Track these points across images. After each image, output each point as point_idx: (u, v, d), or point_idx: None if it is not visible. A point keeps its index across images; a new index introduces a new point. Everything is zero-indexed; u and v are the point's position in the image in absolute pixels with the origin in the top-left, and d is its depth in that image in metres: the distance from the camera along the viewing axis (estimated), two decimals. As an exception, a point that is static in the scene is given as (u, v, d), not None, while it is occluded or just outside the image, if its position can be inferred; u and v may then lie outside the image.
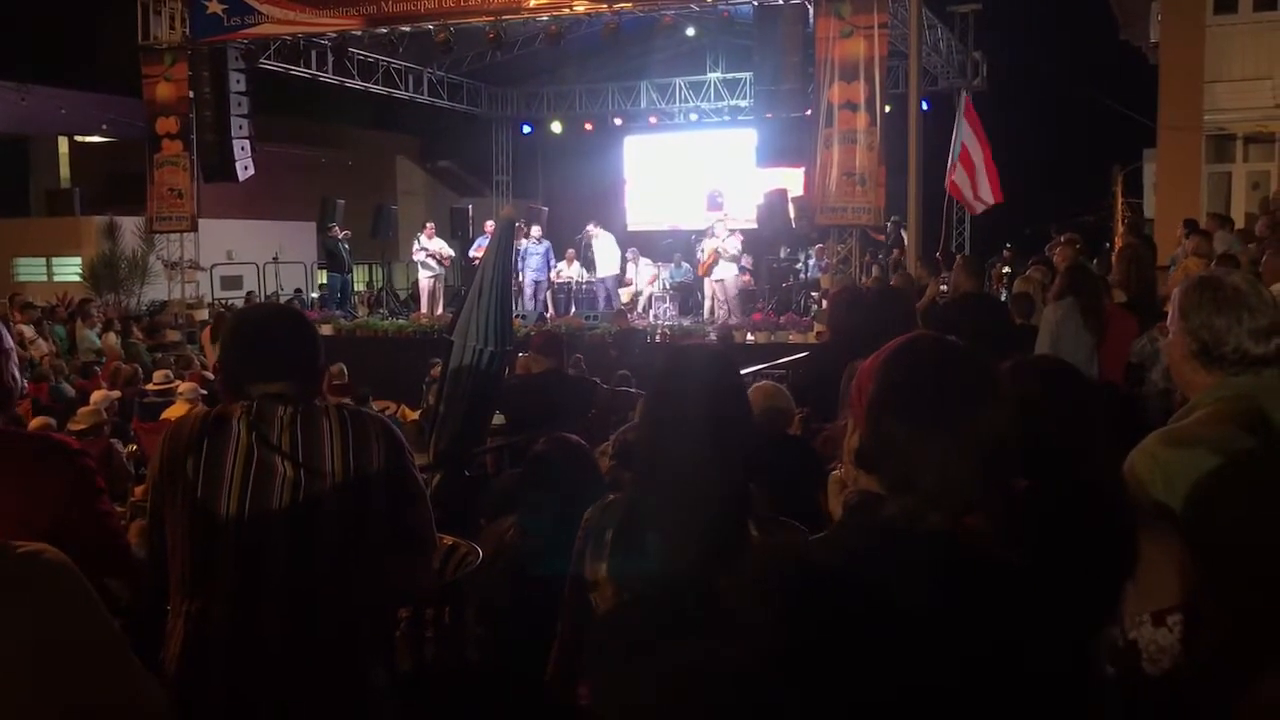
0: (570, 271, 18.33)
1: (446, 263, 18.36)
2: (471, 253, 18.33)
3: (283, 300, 20.10)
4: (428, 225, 18.62)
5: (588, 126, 24.77)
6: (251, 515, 2.29)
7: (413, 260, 19.06)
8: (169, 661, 2.32)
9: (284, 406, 2.36)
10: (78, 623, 1.50)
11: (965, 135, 13.91)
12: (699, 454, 1.98)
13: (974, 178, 14.24)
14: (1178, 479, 2.06)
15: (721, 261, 16.28)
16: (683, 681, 1.47)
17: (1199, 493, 2.03)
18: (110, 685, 1.51)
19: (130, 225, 22.00)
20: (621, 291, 18.56)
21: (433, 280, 18.16)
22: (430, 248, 18.03)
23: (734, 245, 16.39)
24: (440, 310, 17.76)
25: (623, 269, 18.73)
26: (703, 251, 17.00)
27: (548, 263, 17.95)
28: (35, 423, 8.54)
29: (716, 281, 16.49)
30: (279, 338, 2.46)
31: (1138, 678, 1.72)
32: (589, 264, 18.73)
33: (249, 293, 21.56)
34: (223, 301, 19.68)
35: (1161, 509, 2.01)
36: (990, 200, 14.67)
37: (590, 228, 18.55)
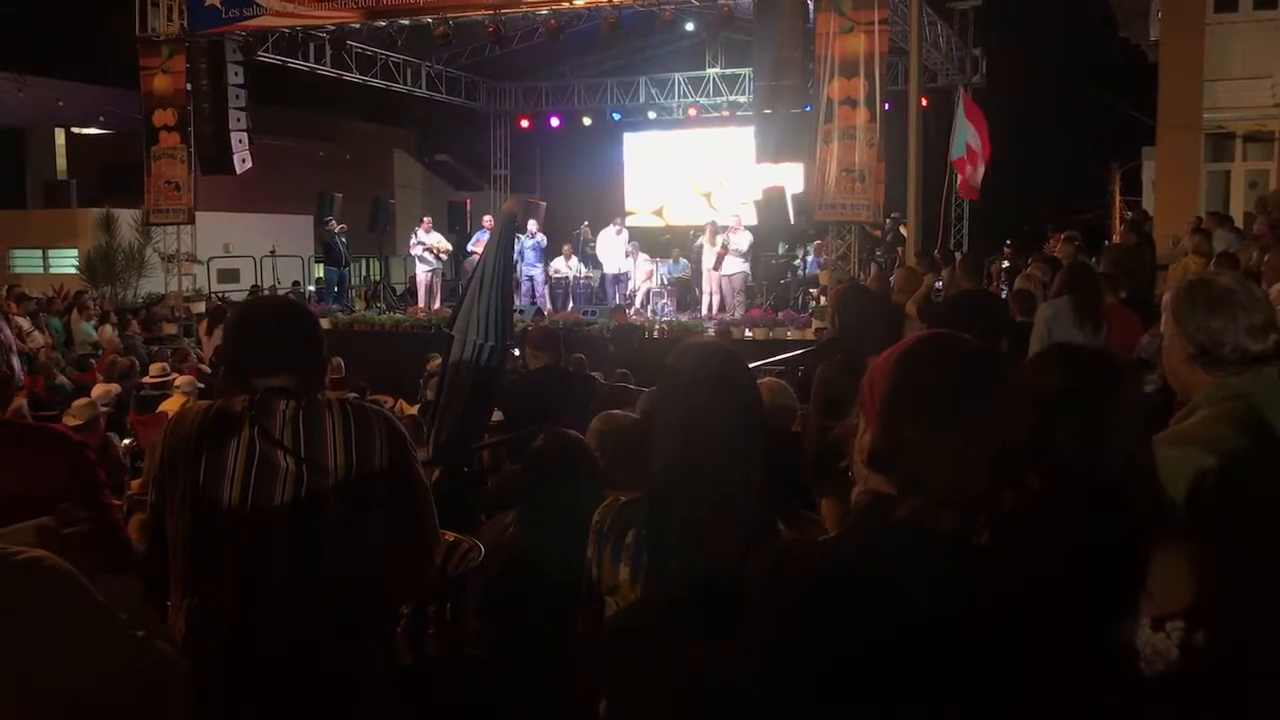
0: (568, 267, 18.29)
1: (444, 256, 18.32)
2: (470, 247, 18.28)
3: (281, 293, 20.07)
4: (425, 219, 18.58)
5: (586, 121, 24.76)
6: (253, 510, 2.28)
7: (410, 255, 19.03)
8: (169, 657, 2.31)
9: (287, 400, 2.35)
10: (76, 626, 1.52)
11: (969, 132, 13.86)
12: (728, 451, 1.95)
13: (975, 168, 14.21)
14: (1180, 479, 2.05)
15: (729, 256, 16.26)
16: (697, 680, 1.46)
17: (1200, 493, 2.03)
18: (107, 666, 1.55)
19: (127, 217, 21.96)
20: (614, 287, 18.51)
21: (430, 274, 18.13)
22: (427, 242, 17.99)
23: (743, 240, 16.37)
24: (438, 304, 17.73)
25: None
26: (702, 246, 16.98)
27: (540, 258, 17.92)
28: (13, 407, 8.44)
29: (725, 276, 16.46)
30: (283, 331, 2.45)
31: (1135, 678, 1.72)
32: (588, 259, 18.70)
33: (252, 286, 21.53)
34: (220, 295, 19.64)
35: (1173, 512, 2.00)
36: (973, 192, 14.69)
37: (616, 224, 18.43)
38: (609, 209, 21.19)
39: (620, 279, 17.98)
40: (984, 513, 1.48)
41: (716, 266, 16.47)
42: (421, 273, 18.23)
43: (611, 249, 17.98)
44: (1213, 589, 1.75)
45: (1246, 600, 1.83)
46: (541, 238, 17.92)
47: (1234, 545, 1.93)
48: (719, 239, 16.41)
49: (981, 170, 14.19)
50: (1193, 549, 1.80)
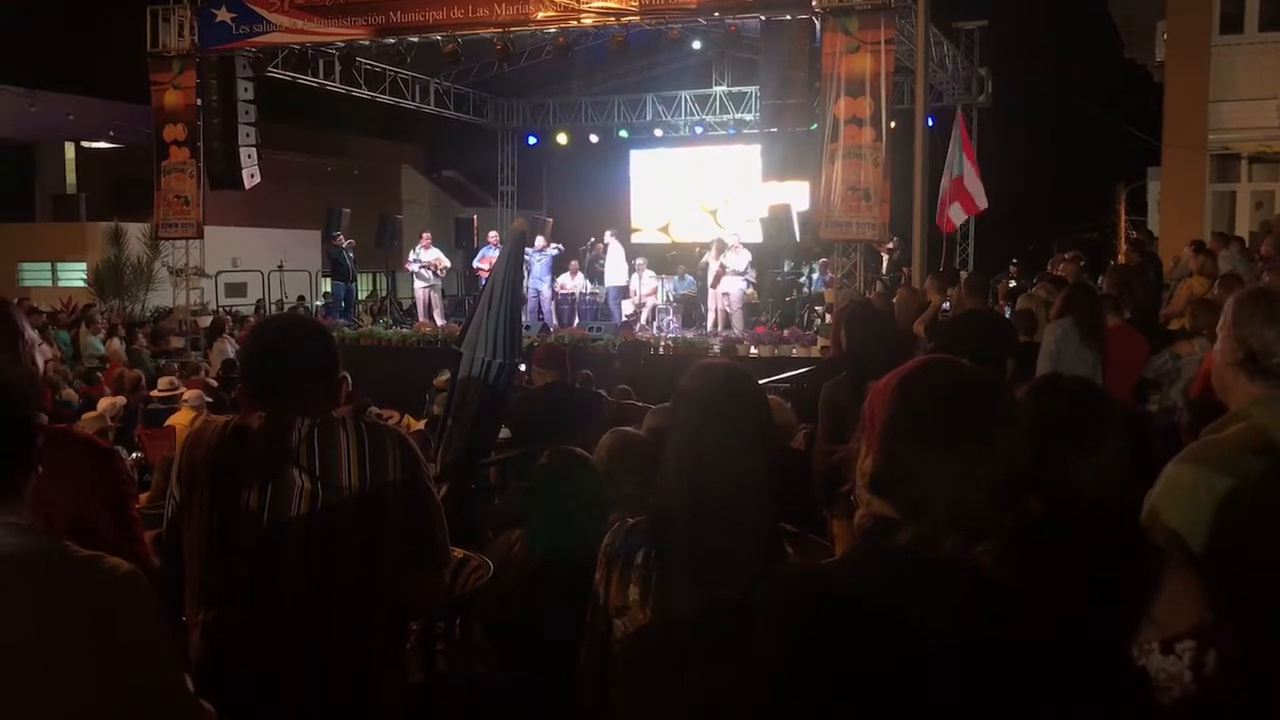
0: (574, 283, 18.31)
1: (442, 273, 18.29)
2: (476, 263, 18.30)
3: (287, 308, 20.13)
4: (424, 235, 18.53)
5: (593, 138, 24.84)
6: (269, 527, 2.31)
7: (409, 270, 19.07)
8: (184, 671, 2.34)
9: (302, 419, 2.38)
10: (143, 625, 1.62)
11: (957, 156, 13.94)
12: (739, 473, 1.97)
13: (954, 197, 14.30)
14: (1204, 497, 2.06)
15: (727, 275, 16.33)
16: (706, 702, 1.48)
17: (1223, 511, 2.03)
18: (164, 675, 1.66)
19: (136, 231, 22.07)
20: (625, 303, 18.48)
21: (428, 290, 18.11)
22: (425, 259, 17.95)
23: (739, 259, 16.42)
24: (438, 319, 17.76)
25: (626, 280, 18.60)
26: (708, 264, 17.03)
27: (549, 271, 17.91)
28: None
29: (723, 294, 16.53)
30: (299, 349, 2.48)
31: (1150, 706, 1.72)
32: (595, 275, 18.70)
33: (258, 301, 21.60)
34: (226, 308, 19.71)
35: (1176, 534, 2.01)
36: (963, 215, 14.75)
37: (607, 236, 18.45)
38: (615, 226, 21.24)
39: (615, 293, 17.95)
40: (986, 537, 1.49)
41: (714, 284, 16.55)
42: (419, 288, 18.21)
43: (614, 263, 17.93)
44: (1221, 607, 1.76)
45: (1256, 618, 1.85)
46: (551, 250, 17.91)
47: (1242, 565, 1.95)
48: (719, 258, 16.50)
49: (970, 194, 14.24)
50: (1198, 569, 1.81)
